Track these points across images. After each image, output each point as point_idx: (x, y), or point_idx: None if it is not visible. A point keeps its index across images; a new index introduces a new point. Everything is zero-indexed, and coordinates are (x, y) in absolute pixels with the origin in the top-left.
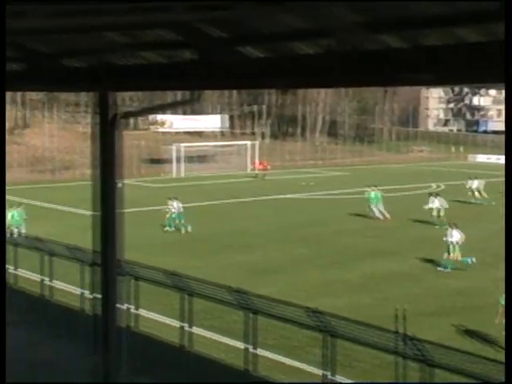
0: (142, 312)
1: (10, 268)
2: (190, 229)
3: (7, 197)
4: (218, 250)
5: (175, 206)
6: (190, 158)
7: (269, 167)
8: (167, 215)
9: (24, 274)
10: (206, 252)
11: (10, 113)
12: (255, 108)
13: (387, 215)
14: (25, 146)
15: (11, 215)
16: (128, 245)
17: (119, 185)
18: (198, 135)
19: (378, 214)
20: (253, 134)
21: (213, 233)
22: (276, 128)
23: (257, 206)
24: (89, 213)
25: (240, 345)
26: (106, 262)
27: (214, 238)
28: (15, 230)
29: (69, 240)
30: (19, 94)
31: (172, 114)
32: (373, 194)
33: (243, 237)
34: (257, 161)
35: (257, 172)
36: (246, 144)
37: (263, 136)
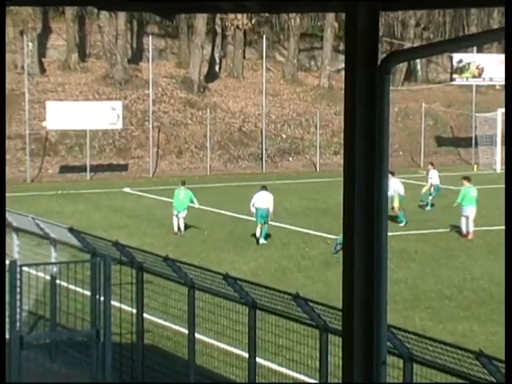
0: None
1: None
2: None
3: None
4: None
5: None
6: None
7: None
8: None
9: None
10: None
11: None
12: None
13: None
14: (214, 112)
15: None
16: None
17: None
18: None
19: None
20: None
21: None
22: None
23: None
24: (333, 236)
25: None
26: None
27: None
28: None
29: None
30: (208, 18)
31: (478, 52)
32: None
33: None
34: None
35: None
36: None
37: None
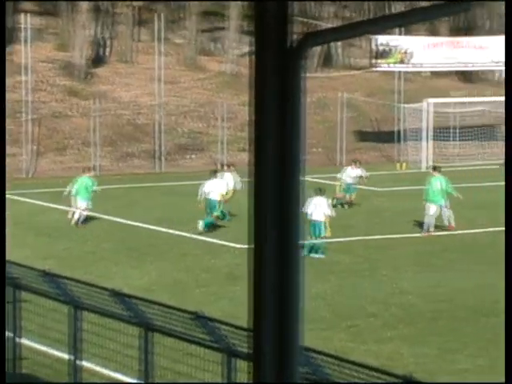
0: None
1: None
2: None
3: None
4: None
5: None
6: (444, 132)
7: None
8: None
9: None
10: None
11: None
12: None
13: None
14: (101, 103)
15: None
16: None
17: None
18: (464, 79)
19: None
20: None
21: None
22: None
23: None
24: (239, 245)
25: None
26: None
27: None
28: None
29: None
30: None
31: (407, 34)
32: None
33: None
34: None
35: None
36: None
37: None
